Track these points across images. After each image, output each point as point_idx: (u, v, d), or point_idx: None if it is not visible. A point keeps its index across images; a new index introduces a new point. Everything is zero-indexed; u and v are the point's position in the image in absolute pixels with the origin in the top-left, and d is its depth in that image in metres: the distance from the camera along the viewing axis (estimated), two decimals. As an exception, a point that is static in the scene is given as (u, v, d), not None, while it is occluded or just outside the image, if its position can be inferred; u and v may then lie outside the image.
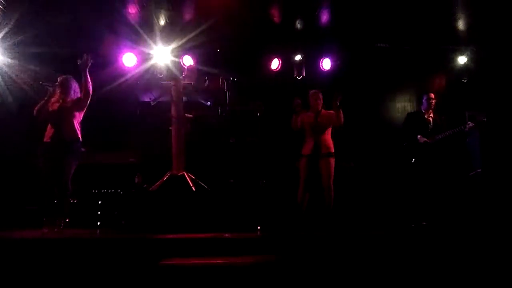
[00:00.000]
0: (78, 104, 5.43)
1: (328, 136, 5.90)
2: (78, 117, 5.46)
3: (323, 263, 4.50)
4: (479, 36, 6.94)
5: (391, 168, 6.85)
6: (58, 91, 5.42)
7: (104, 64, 6.78)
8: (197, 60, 7.02)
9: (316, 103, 5.96)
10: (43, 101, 5.34)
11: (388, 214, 6.39)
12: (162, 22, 6.82)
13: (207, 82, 7.07)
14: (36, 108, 5.33)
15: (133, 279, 3.95)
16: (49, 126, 5.39)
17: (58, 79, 5.46)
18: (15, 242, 4.72)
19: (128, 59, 6.85)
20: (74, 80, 5.50)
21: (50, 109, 5.36)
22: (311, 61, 7.37)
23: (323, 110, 5.98)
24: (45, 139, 5.37)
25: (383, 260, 4.55)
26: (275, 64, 7.31)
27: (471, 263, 4.46)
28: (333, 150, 5.85)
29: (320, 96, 6.00)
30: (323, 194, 5.81)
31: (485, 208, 6.10)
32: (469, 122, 5.83)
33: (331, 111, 5.91)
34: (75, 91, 5.50)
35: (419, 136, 6.05)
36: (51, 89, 5.35)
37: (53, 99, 5.39)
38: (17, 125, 6.37)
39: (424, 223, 5.79)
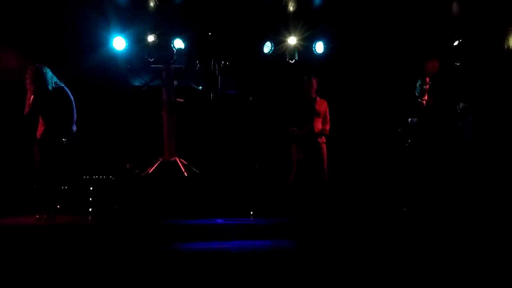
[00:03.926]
0: (63, 98, 5.16)
1: (320, 122, 6.00)
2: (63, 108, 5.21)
3: (316, 247, 4.52)
4: (470, 20, 6.91)
5: (385, 152, 6.86)
6: (32, 85, 5.03)
7: (93, 47, 6.66)
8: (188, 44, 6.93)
9: (310, 89, 6.02)
10: (31, 102, 5.03)
11: (381, 198, 6.43)
12: (152, 4, 6.70)
13: (198, 65, 6.99)
14: (26, 111, 5.08)
15: (125, 265, 3.93)
16: (40, 121, 5.19)
17: (29, 70, 5.07)
18: (6, 229, 4.70)
19: (118, 43, 6.72)
20: (44, 67, 5.10)
21: (36, 105, 5.05)
22: (304, 44, 7.28)
23: (318, 97, 6.04)
24: (37, 135, 5.19)
25: (376, 244, 4.58)
26: (267, 47, 7.23)
27: (463, 246, 4.50)
28: (324, 140, 5.96)
29: (314, 82, 6.03)
30: (317, 177, 5.87)
31: (478, 190, 6.15)
32: (461, 103, 5.86)
33: (324, 100, 6.07)
34: (51, 78, 5.11)
35: (410, 119, 6.06)
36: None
37: (35, 95, 5.03)
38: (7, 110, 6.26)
39: (416, 207, 5.83)
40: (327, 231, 4.96)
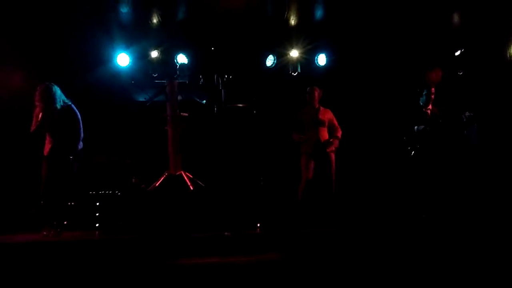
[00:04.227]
0: (71, 116, 5.24)
1: (326, 132, 6.04)
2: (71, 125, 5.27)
3: (323, 259, 4.49)
4: (473, 29, 6.96)
5: (390, 162, 6.85)
6: (41, 102, 5.10)
7: (97, 64, 6.72)
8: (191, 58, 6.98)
9: (312, 99, 6.08)
10: (39, 120, 5.10)
11: (388, 208, 6.39)
12: (155, 20, 6.77)
13: (201, 80, 7.03)
14: (32, 128, 5.15)
15: (132, 280, 3.92)
16: (47, 138, 5.25)
17: (38, 87, 5.15)
18: (14, 246, 4.69)
19: (122, 59, 6.78)
20: (53, 85, 5.19)
21: (43, 122, 5.11)
22: (306, 57, 7.33)
23: (321, 107, 6.10)
24: (44, 152, 5.25)
25: (385, 254, 4.56)
26: (270, 60, 7.28)
27: (471, 254, 4.47)
28: (334, 149, 6.00)
29: (317, 92, 6.09)
30: (325, 188, 5.89)
31: (484, 200, 6.12)
32: (467, 112, 5.88)
33: (328, 109, 6.17)
34: (60, 96, 5.20)
35: (416, 126, 6.06)
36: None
37: (42, 112, 5.10)
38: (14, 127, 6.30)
39: (424, 216, 5.80)
40: (336, 243, 4.94)
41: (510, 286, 3.57)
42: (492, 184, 6.07)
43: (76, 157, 5.27)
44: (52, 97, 5.14)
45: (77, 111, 5.33)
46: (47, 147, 5.24)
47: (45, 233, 5.14)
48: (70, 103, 5.32)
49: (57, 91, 5.20)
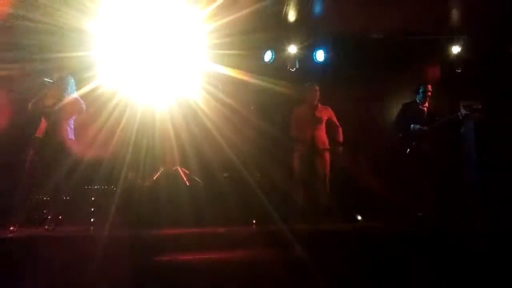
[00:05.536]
0: (74, 107, 5.40)
1: (323, 131, 5.99)
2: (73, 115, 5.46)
3: (319, 256, 4.49)
4: (472, 25, 6.93)
5: (387, 159, 6.84)
6: (55, 88, 5.34)
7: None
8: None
9: (312, 96, 6.03)
10: (39, 96, 5.25)
11: (385, 206, 6.39)
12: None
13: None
14: (31, 103, 5.25)
15: (126, 276, 3.92)
16: (43, 121, 5.34)
17: (54, 75, 5.40)
18: (7, 239, 4.69)
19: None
20: (71, 77, 5.46)
21: (46, 104, 5.29)
22: (304, 53, 7.32)
23: (319, 105, 6.05)
24: (37, 134, 5.31)
25: (380, 252, 4.55)
26: (268, 56, 7.27)
27: (467, 253, 4.46)
28: (328, 147, 5.94)
29: (316, 88, 6.05)
30: (319, 187, 5.85)
31: (480, 197, 6.11)
32: (463, 110, 5.87)
33: (326, 107, 6.09)
34: (72, 88, 5.45)
35: (412, 125, 6.04)
36: (48, 84, 5.28)
37: (49, 94, 5.31)
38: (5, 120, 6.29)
39: (420, 214, 5.79)
40: (331, 241, 4.94)
41: (505, 284, 3.56)
42: (489, 182, 6.05)
43: (68, 147, 5.33)
44: (64, 84, 5.36)
45: (83, 104, 5.50)
46: (42, 128, 5.31)
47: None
48: (76, 95, 5.50)
49: (71, 81, 5.45)
